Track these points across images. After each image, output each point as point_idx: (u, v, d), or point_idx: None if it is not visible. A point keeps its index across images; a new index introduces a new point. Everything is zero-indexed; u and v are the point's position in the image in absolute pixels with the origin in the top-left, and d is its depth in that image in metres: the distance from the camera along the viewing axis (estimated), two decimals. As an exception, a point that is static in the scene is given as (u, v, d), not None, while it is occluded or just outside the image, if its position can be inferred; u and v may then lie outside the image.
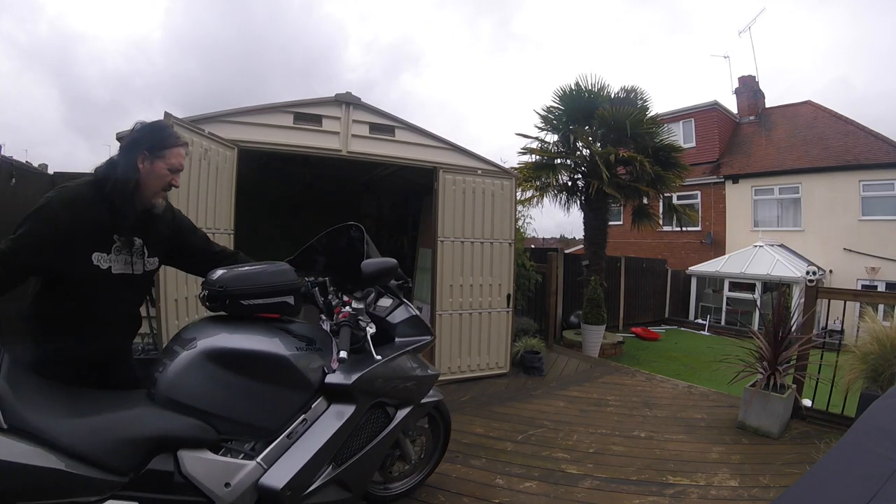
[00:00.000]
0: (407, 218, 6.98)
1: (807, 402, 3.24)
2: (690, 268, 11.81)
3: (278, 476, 1.38)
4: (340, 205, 6.78)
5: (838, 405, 3.12)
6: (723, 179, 13.03)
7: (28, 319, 1.45)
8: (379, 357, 1.56)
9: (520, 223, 5.62)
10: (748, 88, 14.54)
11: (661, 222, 8.34)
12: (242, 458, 1.38)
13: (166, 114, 2.53)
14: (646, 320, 10.09)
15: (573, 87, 6.61)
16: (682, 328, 10.55)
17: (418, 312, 1.94)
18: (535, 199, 6.96)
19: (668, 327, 10.43)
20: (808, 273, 3.40)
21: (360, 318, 1.56)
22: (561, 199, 7.14)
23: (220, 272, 1.49)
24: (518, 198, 4.97)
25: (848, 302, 3.33)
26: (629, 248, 13.04)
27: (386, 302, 1.86)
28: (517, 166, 6.77)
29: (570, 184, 7.03)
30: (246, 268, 1.57)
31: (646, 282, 10.36)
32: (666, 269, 11.24)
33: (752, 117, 14.24)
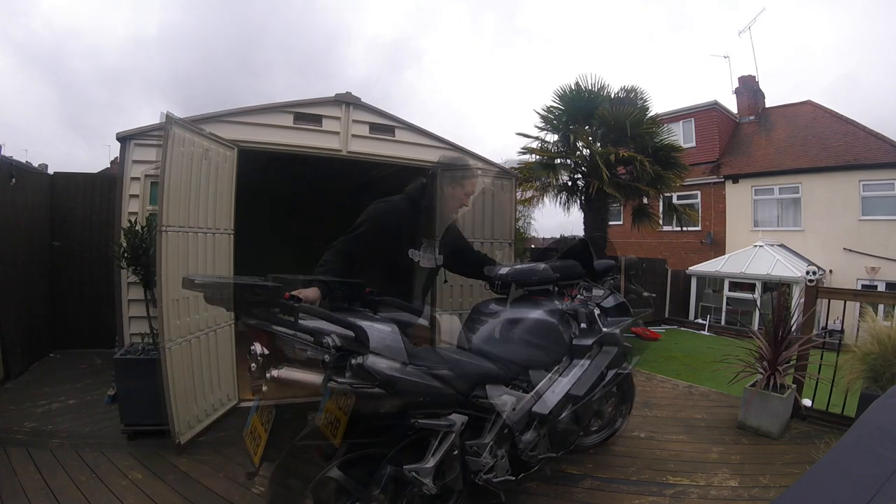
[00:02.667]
0: (407, 218, 6.96)
1: (807, 402, 3.23)
2: (690, 268, 11.81)
3: (545, 405, 1.88)
4: (340, 205, 6.76)
5: (838, 405, 3.12)
6: (723, 179, 13.04)
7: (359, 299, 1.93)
8: (604, 329, 2.14)
9: (520, 223, 5.64)
10: (748, 88, 14.55)
11: (661, 222, 8.33)
12: (522, 392, 1.87)
13: (168, 114, 2.52)
14: (646, 320, 10.09)
15: (573, 87, 6.60)
16: (682, 328, 10.55)
17: (624, 299, 2.49)
18: (536, 199, 6.96)
19: (668, 327, 10.43)
20: (808, 273, 3.39)
21: (588, 303, 2.19)
22: (561, 198, 7.12)
23: (505, 269, 2.14)
24: (518, 198, 4.97)
25: (848, 302, 3.33)
26: (629, 248, 13.04)
27: (599, 292, 2.42)
28: (517, 166, 6.77)
29: (570, 184, 7.02)
30: (519, 266, 2.23)
31: (646, 282, 10.35)
32: (666, 268, 11.23)
33: (751, 117, 14.25)
